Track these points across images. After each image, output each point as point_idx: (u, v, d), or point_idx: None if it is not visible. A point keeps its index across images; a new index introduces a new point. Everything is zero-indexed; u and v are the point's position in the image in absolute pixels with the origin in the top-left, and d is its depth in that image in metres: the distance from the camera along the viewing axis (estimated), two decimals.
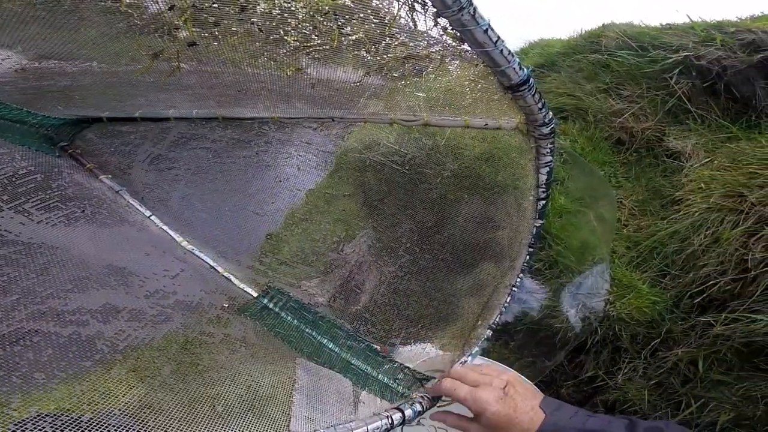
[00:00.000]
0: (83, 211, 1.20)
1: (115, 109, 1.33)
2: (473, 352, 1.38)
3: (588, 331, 1.90)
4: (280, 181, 1.51)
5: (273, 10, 0.68)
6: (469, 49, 0.78)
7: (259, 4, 0.67)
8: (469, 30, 0.70)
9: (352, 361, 1.23)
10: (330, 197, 1.75)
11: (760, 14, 2.32)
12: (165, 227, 1.31)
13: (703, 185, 1.84)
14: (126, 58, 0.88)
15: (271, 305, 1.30)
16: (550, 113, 1.08)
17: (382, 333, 1.51)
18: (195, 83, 1.01)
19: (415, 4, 0.67)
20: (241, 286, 1.31)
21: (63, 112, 1.31)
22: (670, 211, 1.94)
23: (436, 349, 1.53)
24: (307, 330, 1.26)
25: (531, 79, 0.92)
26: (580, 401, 1.94)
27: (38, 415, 0.65)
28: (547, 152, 1.22)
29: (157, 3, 0.67)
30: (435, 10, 0.67)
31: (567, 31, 3.32)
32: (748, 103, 2.00)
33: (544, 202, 1.39)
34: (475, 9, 0.66)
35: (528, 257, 1.56)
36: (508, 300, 1.55)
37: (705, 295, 1.66)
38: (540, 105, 1.02)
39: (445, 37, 0.75)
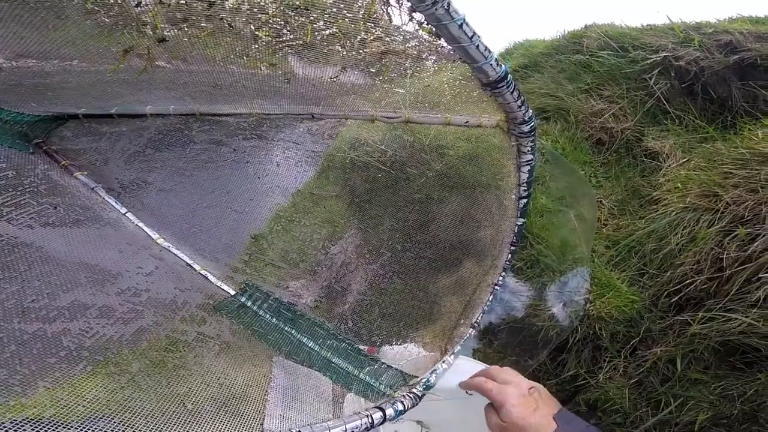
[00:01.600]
0: (55, 207, 1.17)
1: (92, 106, 1.30)
2: (455, 351, 1.38)
3: (569, 330, 1.91)
4: (259, 177, 1.50)
5: (242, 6, 0.67)
6: (445, 44, 0.78)
7: (227, 0, 0.65)
8: (444, 25, 0.70)
9: (333, 360, 1.23)
10: (317, 198, 1.73)
11: (737, 16, 2.37)
12: (140, 224, 1.29)
13: (679, 185, 1.87)
14: (99, 55, 0.86)
15: (249, 303, 1.29)
16: (530, 111, 1.08)
17: (364, 332, 1.50)
18: (168, 79, 0.99)
19: None
20: (218, 283, 1.29)
21: (37, 109, 1.28)
22: (648, 210, 1.96)
23: (419, 348, 1.53)
24: (286, 328, 1.25)
25: (509, 76, 0.92)
26: (563, 400, 1.95)
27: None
28: (528, 150, 1.22)
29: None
30: (410, 4, 0.67)
31: (551, 32, 3.35)
32: (725, 104, 2.04)
33: (525, 200, 1.40)
34: (449, 3, 0.66)
35: (510, 256, 1.57)
36: (490, 299, 1.56)
37: (682, 294, 1.68)
38: (519, 102, 1.02)
39: (421, 32, 0.74)
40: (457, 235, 1.72)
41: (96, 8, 0.68)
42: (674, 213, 1.79)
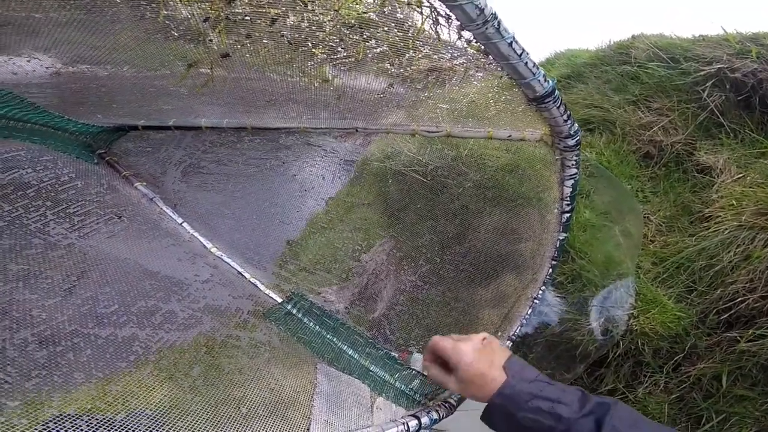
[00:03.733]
0: (120, 217, 1.26)
1: (151, 117, 1.39)
2: None
3: (610, 344, 1.87)
4: (306, 190, 1.55)
5: (302, 23, 0.70)
6: (493, 61, 0.79)
7: (288, 17, 0.70)
8: (494, 43, 0.71)
9: (371, 368, 1.24)
10: (350, 205, 1.77)
11: None
12: (196, 234, 1.36)
13: (734, 202, 1.79)
14: (162, 67, 0.92)
15: (294, 311, 1.32)
16: (576, 125, 1.07)
17: (400, 341, 1.51)
18: (227, 93, 1.05)
19: (439, 17, 0.68)
20: (267, 291, 1.34)
21: (101, 120, 1.37)
22: (699, 227, 1.89)
23: None
24: (328, 336, 1.28)
25: (556, 91, 0.92)
26: None
27: (70, 415, 0.68)
28: (572, 164, 1.20)
29: (194, 15, 0.71)
30: (459, 23, 0.68)
31: (595, 42, 3.29)
32: None
33: (568, 215, 1.38)
34: (499, 22, 0.67)
35: (551, 270, 1.55)
36: (528, 312, 1.54)
37: (732, 311, 1.62)
38: (565, 117, 1.01)
39: (469, 49, 0.76)
40: (496, 248, 1.72)
41: (167, 21, 0.73)
42: (727, 231, 1.72)
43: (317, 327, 1.30)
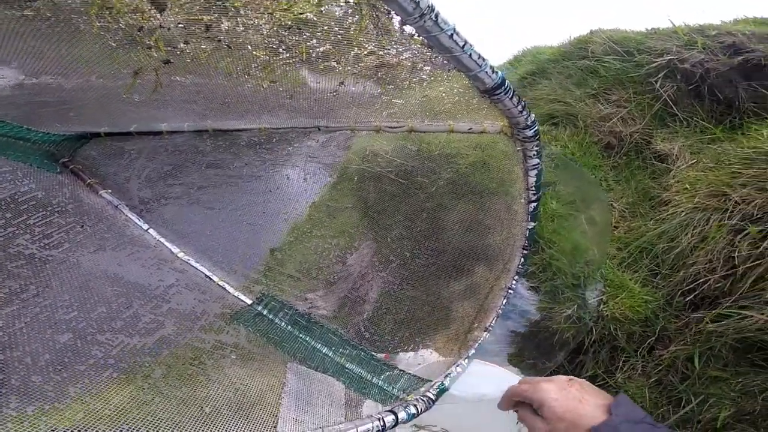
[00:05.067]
0: (82, 226, 1.24)
1: (112, 124, 1.38)
2: (470, 354, 1.39)
3: (584, 331, 1.91)
4: (271, 191, 1.55)
5: (237, 28, 0.72)
6: (438, 54, 0.82)
7: (222, 23, 0.71)
8: (434, 36, 0.73)
9: (347, 365, 1.25)
10: (332, 210, 1.78)
11: (742, 17, 2.37)
12: (162, 240, 1.36)
13: (688, 186, 1.87)
14: (114, 74, 0.92)
15: (265, 312, 1.33)
16: (532, 116, 1.10)
17: (377, 339, 1.53)
18: (181, 98, 1.05)
19: (379, 14, 0.70)
20: (236, 294, 1.34)
21: (61, 129, 1.36)
22: (659, 211, 1.96)
23: (433, 354, 1.55)
24: (300, 335, 1.29)
25: (506, 82, 0.94)
26: None
27: (29, 415, 0.68)
28: (534, 155, 1.22)
29: (122, 26, 0.71)
30: (399, 18, 0.71)
31: (558, 38, 3.39)
32: (731, 105, 2.04)
33: (535, 204, 1.41)
34: (437, 14, 0.70)
35: (523, 260, 1.58)
36: (504, 303, 1.57)
37: (696, 292, 1.67)
38: (519, 108, 1.04)
39: (413, 44, 0.79)
40: (467, 242, 1.75)
41: (102, 32, 0.74)
42: (684, 213, 1.79)
43: (289, 327, 1.31)
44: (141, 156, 1.42)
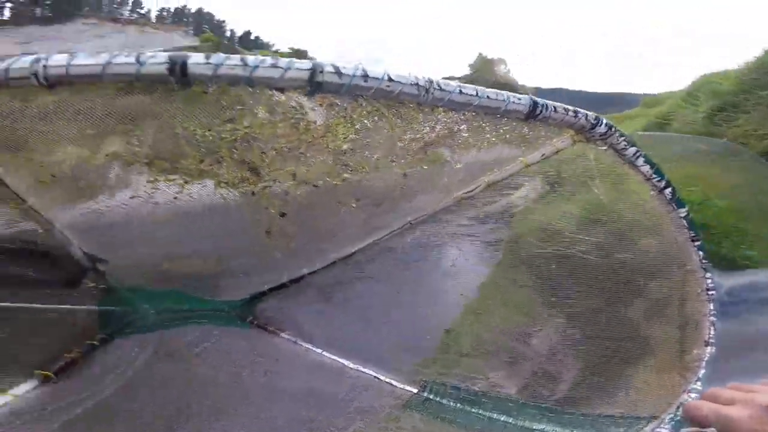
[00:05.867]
0: (277, 359, 1.61)
1: (273, 280, 1.75)
2: (699, 376, 1.28)
3: None
4: (451, 279, 1.67)
5: (309, 168, 0.94)
6: (463, 111, 0.93)
7: (300, 167, 0.93)
8: (448, 99, 0.86)
9: (534, 426, 1.21)
10: (506, 288, 1.78)
11: None
12: (335, 357, 1.58)
13: None
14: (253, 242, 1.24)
15: (431, 396, 1.41)
16: (592, 114, 1.11)
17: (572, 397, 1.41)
18: (315, 234, 1.35)
19: (398, 109, 0.86)
20: (402, 386, 1.47)
21: (237, 295, 1.76)
22: None
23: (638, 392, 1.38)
24: (472, 410, 1.33)
25: (538, 100, 1.00)
26: None
27: None
28: (625, 145, 1.17)
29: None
30: (414, 103, 0.85)
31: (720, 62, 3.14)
32: None
33: (669, 189, 1.30)
34: (438, 83, 0.83)
35: (700, 252, 1.39)
36: (711, 308, 1.39)
37: None
38: (572, 113, 1.06)
39: (438, 115, 0.92)
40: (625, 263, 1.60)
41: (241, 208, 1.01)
42: None
43: (458, 404, 1.36)
44: (303, 293, 1.70)
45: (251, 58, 0.70)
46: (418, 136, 0.95)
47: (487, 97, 0.90)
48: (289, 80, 0.73)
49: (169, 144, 0.84)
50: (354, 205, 1.13)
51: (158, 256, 1.37)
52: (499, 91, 0.93)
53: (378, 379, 1.50)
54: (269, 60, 0.70)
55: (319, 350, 1.63)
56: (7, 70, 0.65)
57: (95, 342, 1.44)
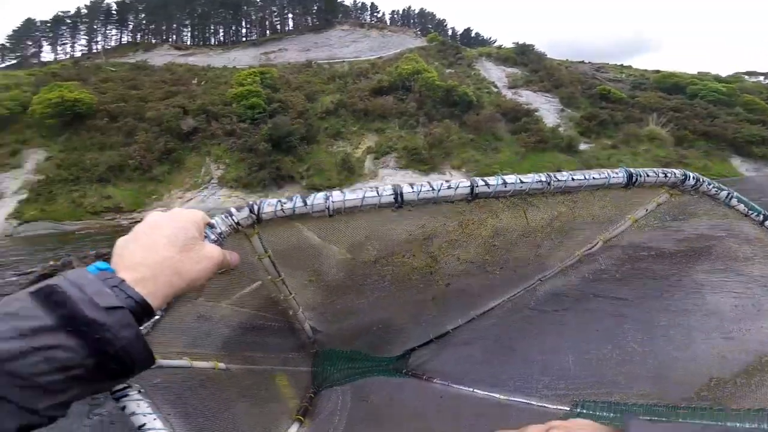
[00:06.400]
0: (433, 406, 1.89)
1: (423, 336, 2.10)
2: None
3: None
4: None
5: (455, 252, 1.32)
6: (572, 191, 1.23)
7: (456, 252, 1.30)
8: (564, 186, 1.18)
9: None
10: None
11: None
12: (488, 393, 1.83)
13: None
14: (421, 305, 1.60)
15: (584, 411, 1.58)
16: (680, 171, 1.28)
17: None
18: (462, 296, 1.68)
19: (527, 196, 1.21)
20: (553, 406, 1.67)
21: (393, 351, 2.13)
22: None
23: None
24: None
25: (633, 170, 1.24)
26: None
27: None
28: (715, 191, 1.31)
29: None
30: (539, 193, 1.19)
31: None
32: None
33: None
34: (555, 177, 1.16)
35: None
36: None
37: None
38: (662, 176, 1.26)
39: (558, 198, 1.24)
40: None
41: (420, 285, 1.40)
42: None
43: (611, 414, 1.52)
44: (447, 347, 2.03)
45: (435, 184, 1.08)
46: (545, 215, 1.28)
47: (593, 177, 1.20)
48: (458, 195, 1.10)
49: (388, 248, 1.27)
50: (497, 273, 1.46)
51: (353, 324, 1.80)
52: (600, 170, 1.21)
53: (529, 404, 1.72)
54: (446, 184, 1.09)
55: (467, 389, 1.90)
56: (312, 205, 0.99)
57: (312, 394, 1.90)
